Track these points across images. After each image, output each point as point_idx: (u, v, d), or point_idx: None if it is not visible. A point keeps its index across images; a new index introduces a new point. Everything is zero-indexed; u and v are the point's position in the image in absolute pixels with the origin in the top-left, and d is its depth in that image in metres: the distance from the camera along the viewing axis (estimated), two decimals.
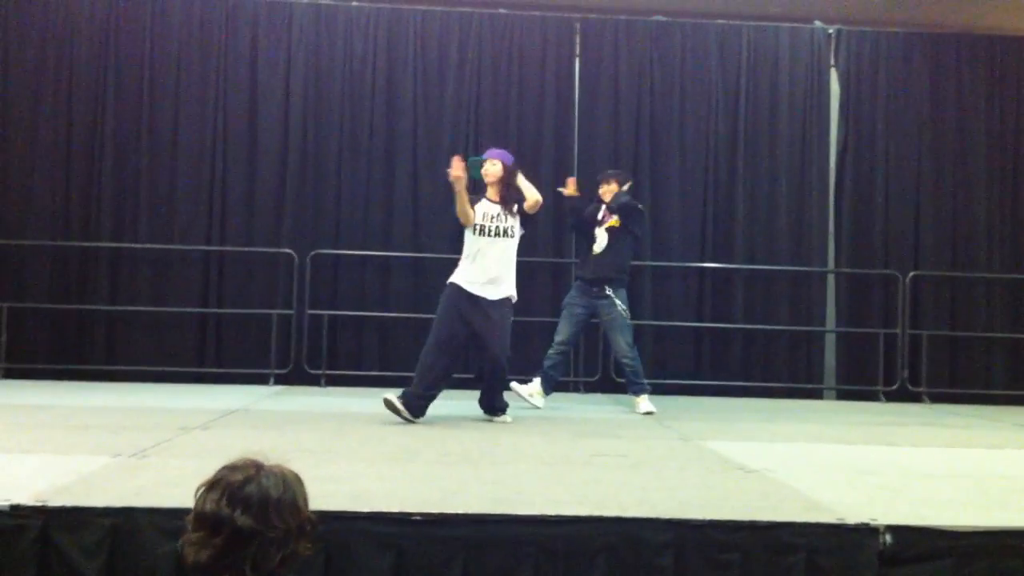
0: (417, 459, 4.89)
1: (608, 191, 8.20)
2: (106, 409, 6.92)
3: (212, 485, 2.31)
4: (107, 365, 9.44)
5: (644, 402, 7.82)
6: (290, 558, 2.31)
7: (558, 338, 8.07)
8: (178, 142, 9.77)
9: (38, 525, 3.29)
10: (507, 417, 6.85)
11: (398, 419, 6.45)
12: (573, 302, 8.13)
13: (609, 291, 7.90)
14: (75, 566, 3.27)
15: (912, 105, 10.32)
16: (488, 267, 6.73)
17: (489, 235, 6.78)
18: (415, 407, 6.52)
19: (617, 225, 7.96)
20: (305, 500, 2.38)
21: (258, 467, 2.33)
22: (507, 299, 6.77)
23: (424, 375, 6.57)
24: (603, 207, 8.14)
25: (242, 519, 2.24)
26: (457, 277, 6.78)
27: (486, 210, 6.84)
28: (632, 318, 9.65)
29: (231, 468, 2.33)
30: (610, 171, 8.54)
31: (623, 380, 8.19)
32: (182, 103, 9.79)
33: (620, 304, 7.93)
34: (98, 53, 9.77)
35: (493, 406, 6.87)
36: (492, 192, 6.93)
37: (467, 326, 6.66)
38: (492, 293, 6.70)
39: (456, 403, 7.24)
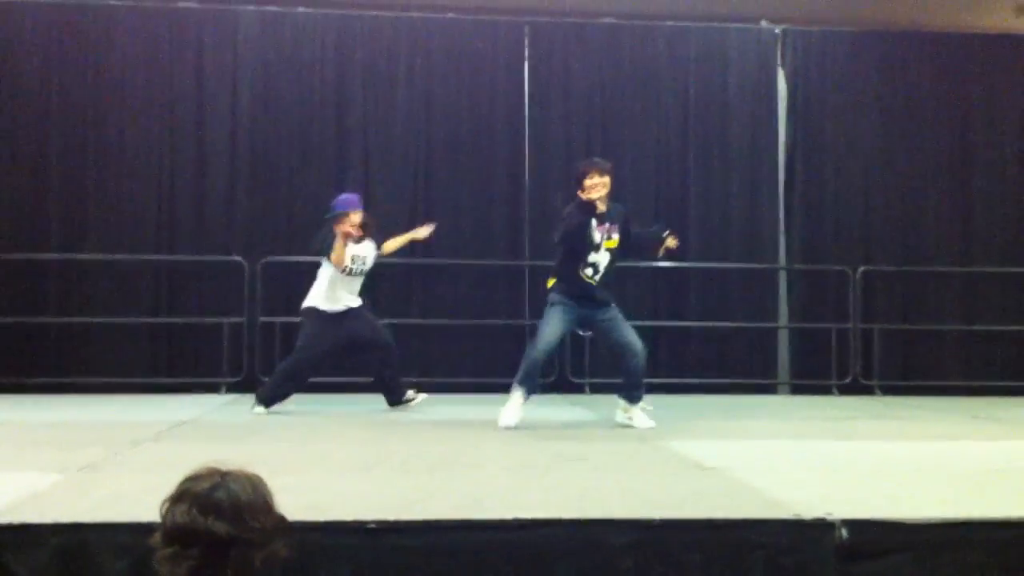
0: (376, 468, 4.84)
1: (597, 185, 6.53)
2: (55, 423, 6.80)
3: (178, 497, 2.26)
4: (57, 378, 9.28)
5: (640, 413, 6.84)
6: (269, 560, 2.28)
7: (548, 337, 6.68)
8: (125, 152, 9.66)
9: None
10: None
11: (355, 427, 6.47)
12: (564, 303, 6.71)
13: (612, 303, 6.81)
14: None
15: (859, 103, 10.44)
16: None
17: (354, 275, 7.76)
18: None
19: (617, 244, 6.72)
20: (273, 500, 2.35)
21: (222, 473, 2.30)
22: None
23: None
24: (596, 222, 6.58)
25: (217, 526, 2.19)
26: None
27: (354, 253, 7.65)
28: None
29: (194, 478, 2.28)
30: (598, 160, 6.89)
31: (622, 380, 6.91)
32: (129, 112, 9.68)
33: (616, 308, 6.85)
34: (42, 65, 9.64)
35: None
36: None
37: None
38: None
39: (416, 411, 7.21)
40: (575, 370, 9.73)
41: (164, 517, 2.26)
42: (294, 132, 9.85)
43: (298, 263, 9.60)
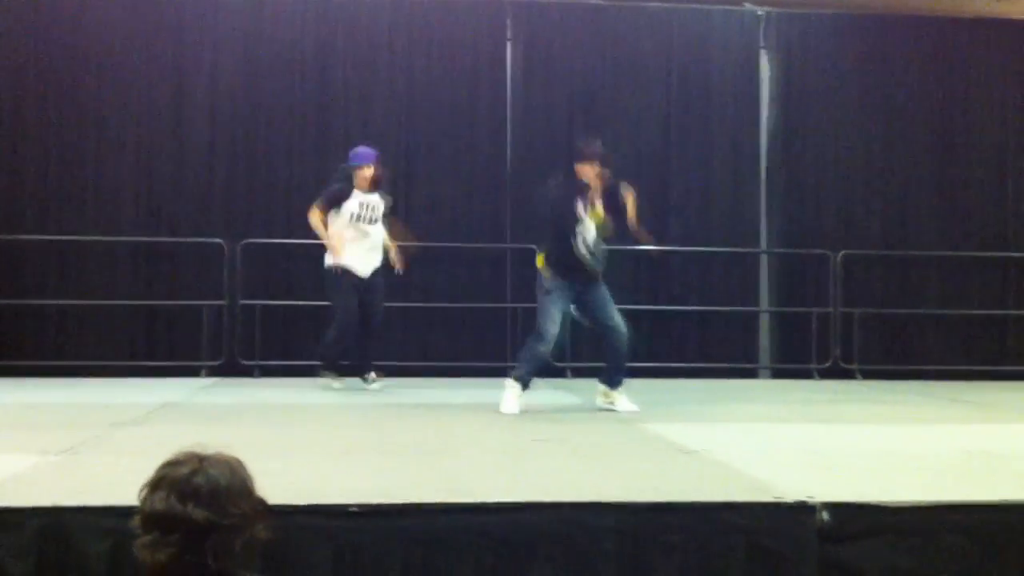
0: (360, 451, 4.83)
1: (590, 169, 6.64)
2: (34, 406, 6.76)
3: (156, 484, 2.23)
4: (34, 361, 9.21)
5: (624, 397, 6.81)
6: (250, 543, 2.27)
7: (553, 331, 6.63)
8: (104, 131, 9.56)
9: None
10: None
11: (339, 410, 6.67)
12: (558, 287, 6.65)
13: (600, 279, 6.78)
14: (3, 568, 3.17)
15: (842, 86, 10.44)
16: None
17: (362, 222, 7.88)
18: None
19: (604, 219, 6.68)
20: (252, 483, 2.33)
21: (200, 458, 2.27)
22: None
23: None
24: (586, 200, 6.60)
25: (196, 512, 2.17)
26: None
27: (362, 200, 7.86)
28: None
29: (172, 464, 2.26)
30: (596, 149, 6.85)
31: (604, 364, 6.94)
32: (107, 91, 9.58)
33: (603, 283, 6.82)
34: (19, 42, 9.52)
35: None
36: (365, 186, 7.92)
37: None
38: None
39: (400, 394, 7.20)
40: (557, 354, 9.70)
41: (143, 504, 2.24)
42: (275, 112, 9.78)
43: (278, 245, 9.59)
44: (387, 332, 9.28)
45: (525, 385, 6.67)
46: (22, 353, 9.26)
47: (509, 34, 10.13)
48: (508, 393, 6.58)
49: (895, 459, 4.75)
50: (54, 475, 3.96)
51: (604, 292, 6.78)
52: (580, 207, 6.57)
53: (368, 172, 7.86)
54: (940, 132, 10.53)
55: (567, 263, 6.61)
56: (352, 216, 7.80)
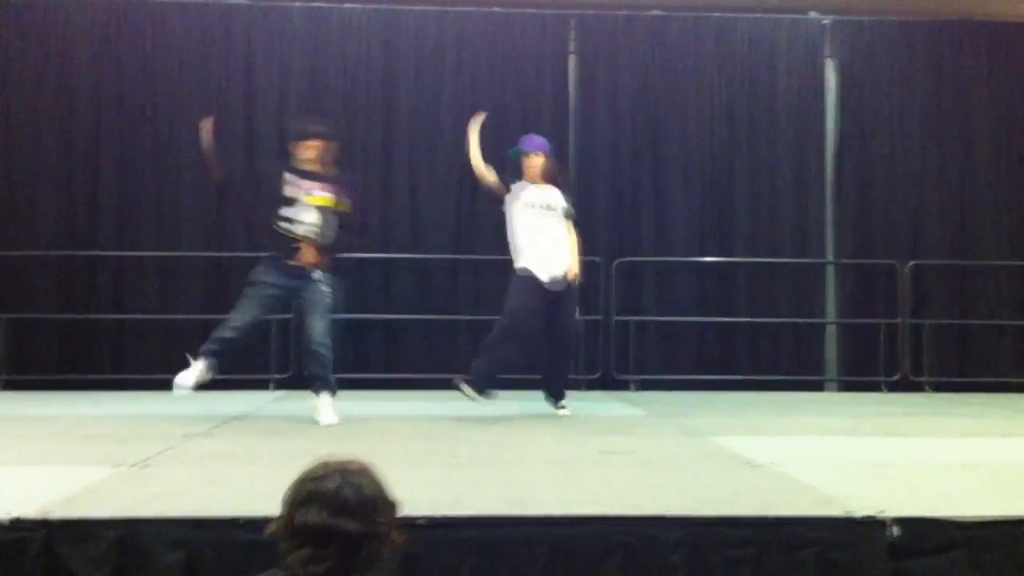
0: (426, 463, 4.85)
1: (310, 147, 6.49)
2: (108, 418, 6.89)
3: (306, 499, 2.30)
4: (111, 374, 9.42)
5: (328, 406, 6.50)
6: (393, 549, 2.36)
7: (242, 321, 6.45)
8: (179, 149, 9.73)
9: (41, 538, 3.26)
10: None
11: (402, 423, 6.58)
12: (263, 279, 6.49)
13: (316, 274, 6.47)
14: None
15: (910, 94, 10.30)
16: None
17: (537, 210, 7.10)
18: None
19: (333, 207, 6.49)
20: (387, 487, 2.41)
21: (341, 470, 2.35)
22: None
23: None
24: (293, 175, 6.41)
25: (350, 525, 2.25)
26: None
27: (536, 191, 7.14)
28: (636, 314, 9.67)
29: (317, 478, 2.33)
30: (311, 126, 6.68)
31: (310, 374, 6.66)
32: (181, 109, 9.75)
33: (325, 286, 6.51)
34: (97, 62, 9.76)
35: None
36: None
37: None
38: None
39: (466, 407, 7.21)
40: (620, 367, 9.70)
41: (292, 519, 2.30)
42: (341, 126, 9.86)
43: (347, 259, 9.66)
44: (458, 344, 9.36)
45: (207, 365, 6.42)
46: (96, 366, 9.46)
47: (572, 47, 10.15)
48: (192, 367, 6.38)
49: (967, 473, 4.67)
50: (129, 486, 4.03)
51: (317, 297, 6.45)
52: (296, 189, 6.38)
53: (535, 161, 7.11)
54: (1009, 138, 10.34)
55: (278, 250, 6.39)
56: (526, 204, 7.05)
